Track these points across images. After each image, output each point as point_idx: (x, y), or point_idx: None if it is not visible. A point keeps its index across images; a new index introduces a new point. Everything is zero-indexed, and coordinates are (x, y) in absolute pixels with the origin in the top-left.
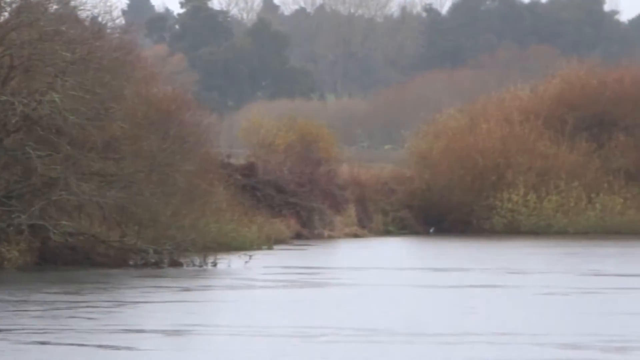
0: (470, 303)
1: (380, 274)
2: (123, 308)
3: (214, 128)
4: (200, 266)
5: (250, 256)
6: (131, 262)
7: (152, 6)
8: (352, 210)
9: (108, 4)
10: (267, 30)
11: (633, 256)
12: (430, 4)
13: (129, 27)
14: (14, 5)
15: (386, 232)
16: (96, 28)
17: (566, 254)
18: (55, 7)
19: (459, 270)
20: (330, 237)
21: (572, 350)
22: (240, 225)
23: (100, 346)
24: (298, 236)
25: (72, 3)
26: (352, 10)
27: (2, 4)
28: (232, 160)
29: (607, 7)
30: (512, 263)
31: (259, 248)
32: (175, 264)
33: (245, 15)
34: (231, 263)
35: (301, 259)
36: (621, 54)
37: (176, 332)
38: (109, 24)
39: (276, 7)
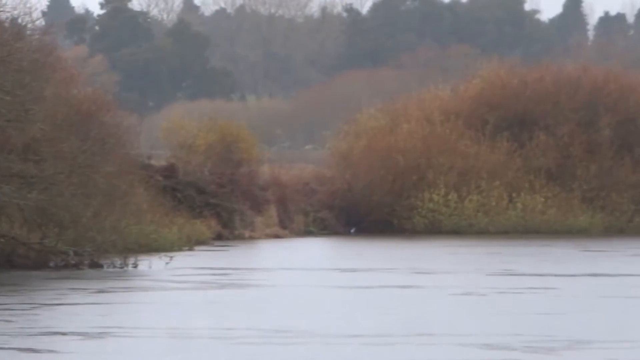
0: (391, 304)
1: (299, 274)
2: (41, 310)
3: (135, 129)
4: (121, 267)
5: (171, 257)
6: (51, 264)
7: (72, 7)
8: (273, 211)
9: (28, 5)
10: (187, 30)
11: (550, 255)
12: (350, 4)
13: (49, 28)
14: None
15: (307, 233)
16: (16, 29)
17: (486, 253)
18: None
19: (378, 270)
20: (251, 238)
21: (498, 351)
22: (161, 227)
23: (20, 349)
24: (219, 237)
25: None
26: (272, 11)
27: None
28: (153, 162)
29: (527, 7)
30: (432, 263)
31: (180, 249)
32: (96, 265)
33: (165, 16)
34: (152, 264)
35: (221, 260)
36: (542, 53)
37: (97, 335)
38: (29, 25)
39: (196, 8)
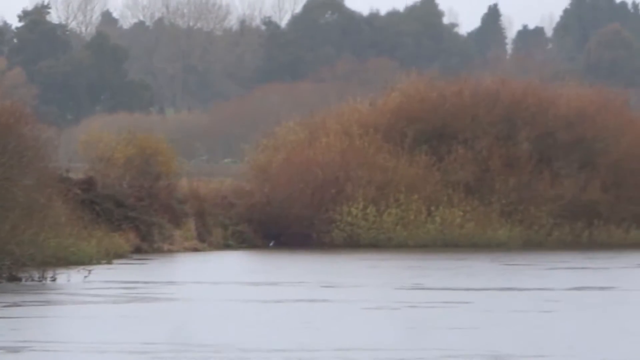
0: (306, 317)
1: (215, 288)
2: None
3: (53, 142)
4: (39, 281)
5: (90, 271)
6: None
7: None
8: (191, 224)
9: None
10: (106, 43)
11: (466, 269)
12: (269, 17)
13: None
14: None
15: (226, 246)
16: None
17: (401, 267)
18: None
19: (291, 284)
20: (169, 251)
21: None
22: (79, 240)
23: None
24: (138, 250)
25: None
26: (191, 24)
27: None
28: (71, 175)
29: (446, 20)
30: (346, 277)
31: (99, 262)
32: (14, 279)
33: (84, 29)
34: (70, 278)
35: (139, 274)
36: (460, 66)
37: (13, 349)
38: None
39: (115, 21)
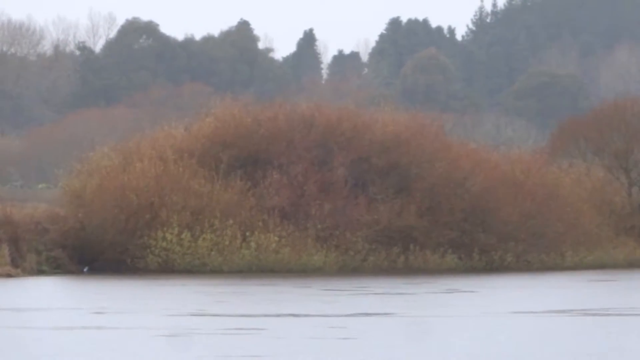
0: (110, 344)
1: (20, 315)
2: None
3: None
4: None
5: None
6: None
7: None
8: (4, 250)
9: None
10: None
11: (272, 295)
12: (83, 42)
13: None
14: None
15: (40, 272)
16: None
17: (203, 292)
18: None
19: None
20: None
21: None
22: None
23: None
24: None
25: None
26: (4, 49)
27: None
28: None
29: (261, 45)
30: (128, 302)
31: None
32: None
33: None
34: None
35: None
36: (276, 92)
37: None
38: None
39: None
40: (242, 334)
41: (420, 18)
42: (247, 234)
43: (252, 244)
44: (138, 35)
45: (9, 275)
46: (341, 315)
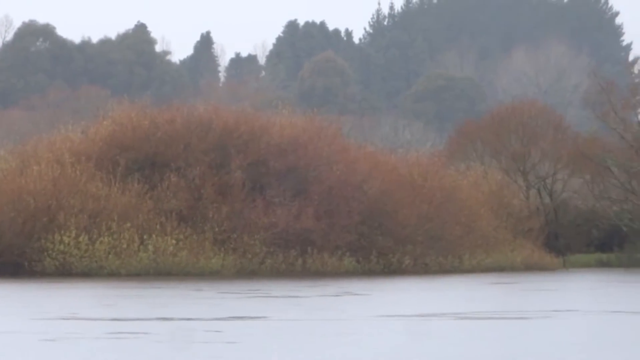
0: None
1: None
2: None
3: None
4: None
5: None
6: None
7: None
8: None
9: None
10: None
11: (157, 298)
12: None
13: None
14: None
15: None
16: None
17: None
18: None
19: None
20: None
21: None
22: None
23: None
24: None
25: None
26: None
27: None
28: None
29: (158, 48)
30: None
31: None
32: None
33: None
34: None
35: None
36: (173, 94)
37: None
38: None
39: None
40: (111, 339)
41: (318, 21)
42: (145, 237)
43: (150, 247)
44: (35, 38)
45: None
46: (219, 319)
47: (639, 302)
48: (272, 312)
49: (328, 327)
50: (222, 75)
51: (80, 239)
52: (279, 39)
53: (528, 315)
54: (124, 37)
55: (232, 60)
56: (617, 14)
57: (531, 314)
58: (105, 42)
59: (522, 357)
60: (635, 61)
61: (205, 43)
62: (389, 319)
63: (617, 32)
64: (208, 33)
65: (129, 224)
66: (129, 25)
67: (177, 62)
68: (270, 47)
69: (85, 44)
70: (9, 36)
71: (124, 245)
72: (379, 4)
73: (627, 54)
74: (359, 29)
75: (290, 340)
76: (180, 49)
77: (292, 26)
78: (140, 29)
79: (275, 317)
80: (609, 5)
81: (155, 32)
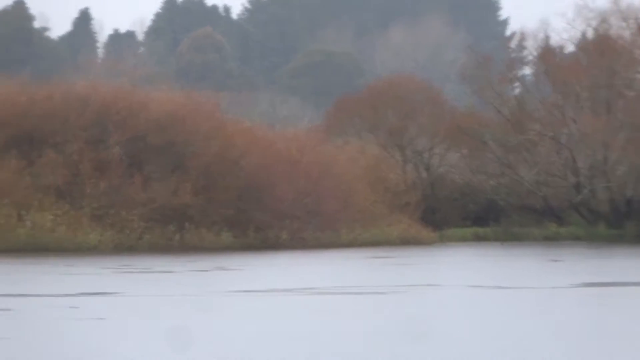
0: None
1: None
2: None
3: None
4: None
5: None
6: None
7: None
8: None
9: None
10: None
11: (24, 274)
12: None
13: None
14: None
15: None
16: None
17: None
18: None
19: None
20: None
21: None
22: None
23: None
24: None
25: None
26: None
27: None
28: None
29: (37, 24)
30: None
31: None
32: None
33: None
34: None
35: None
36: (52, 71)
37: None
38: None
39: None
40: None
41: None
42: (23, 212)
43: (28, 223)
44: None
45: None
46: (71, 295)
47: (505, 277)
48: (130, 287)
49: (182, 302)
50: (100, 51)
51: None
52: (157, 14)
53: (384, 290)
54: (2, 14)
55: (111, 37)
56: None
57: (387, 289)
58: None
59: (342, 332)
60: (511, 36)
61: (83, 19)
62: (247, 294)
63: (494, 7)
64: (87, 9)
65: (6, 200)
66: (7, 1)
67: (56, 38)
68: (148, 23)
69: None
70: None
71: (2, 221)
72: None
73: (504, 29)
74: (237, 5)
75: (128, 315)
76: (58, 25)
77: (170, 2)
78: (19, 5)
79: (131, 292)
80: None
81: (33, 8)
